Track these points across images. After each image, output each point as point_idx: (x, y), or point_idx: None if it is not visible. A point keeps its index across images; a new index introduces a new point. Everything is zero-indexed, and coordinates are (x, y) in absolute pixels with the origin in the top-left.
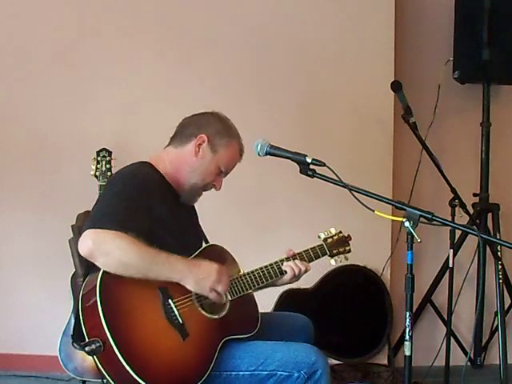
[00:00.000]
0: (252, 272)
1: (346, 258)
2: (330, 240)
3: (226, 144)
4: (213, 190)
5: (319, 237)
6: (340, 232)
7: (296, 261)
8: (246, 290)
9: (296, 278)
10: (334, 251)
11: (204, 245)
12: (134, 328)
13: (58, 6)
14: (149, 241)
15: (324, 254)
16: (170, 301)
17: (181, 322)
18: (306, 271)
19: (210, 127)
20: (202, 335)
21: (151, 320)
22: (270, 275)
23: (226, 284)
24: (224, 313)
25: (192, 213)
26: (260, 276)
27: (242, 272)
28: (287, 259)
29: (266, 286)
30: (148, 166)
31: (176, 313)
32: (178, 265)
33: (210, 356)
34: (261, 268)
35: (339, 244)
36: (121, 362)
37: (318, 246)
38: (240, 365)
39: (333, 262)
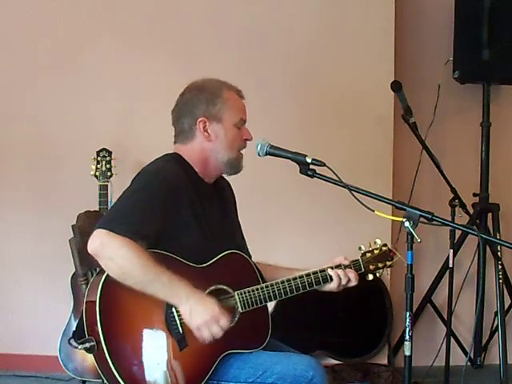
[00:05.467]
0: (272, 285)
1: (386, 272)
2: (369, 254)
3: (222, 104)
4: None
5: (360, 248)
6: (384, 245)
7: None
8: (259, 303)
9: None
10: (371, 267)
11: (233, 245)
12: (131, 332)
13: (57, 8)
14: (165, 242)
15: (359, 271)
16: (173, 309)
17: (181, 332)
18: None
19: (198, 106)
20: (202, 347)
21: (150, 326)
22: (285, 292)
23: (215, 333)
24: (231, 325)
25: (228, 208)
26: (275, 291)
27: (262, 284)
28: (309, 275)
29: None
30: (175, 160)
31: (177, 322)
32: (179, 290)
33: (206, 368)
34: (276, 283)
35: (379, 259)
36: (110, 366)
37: (353, 261)
38: (239, 375)
39: (370, 277)
